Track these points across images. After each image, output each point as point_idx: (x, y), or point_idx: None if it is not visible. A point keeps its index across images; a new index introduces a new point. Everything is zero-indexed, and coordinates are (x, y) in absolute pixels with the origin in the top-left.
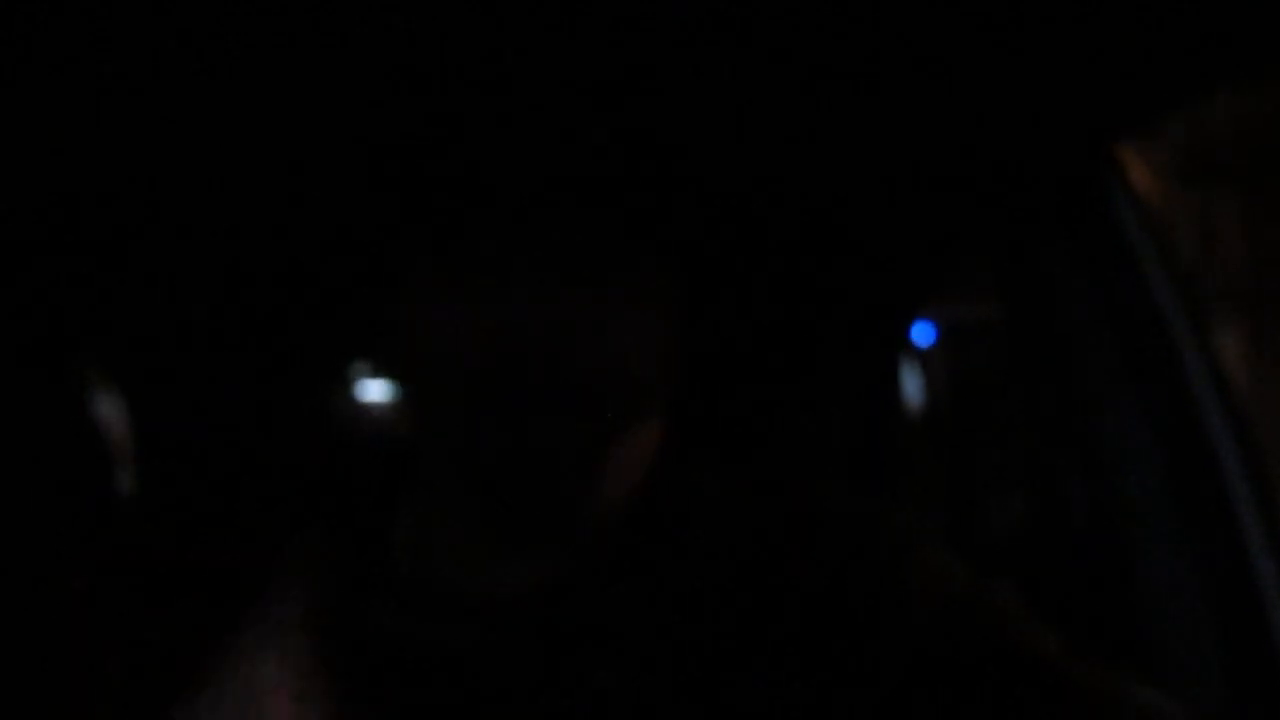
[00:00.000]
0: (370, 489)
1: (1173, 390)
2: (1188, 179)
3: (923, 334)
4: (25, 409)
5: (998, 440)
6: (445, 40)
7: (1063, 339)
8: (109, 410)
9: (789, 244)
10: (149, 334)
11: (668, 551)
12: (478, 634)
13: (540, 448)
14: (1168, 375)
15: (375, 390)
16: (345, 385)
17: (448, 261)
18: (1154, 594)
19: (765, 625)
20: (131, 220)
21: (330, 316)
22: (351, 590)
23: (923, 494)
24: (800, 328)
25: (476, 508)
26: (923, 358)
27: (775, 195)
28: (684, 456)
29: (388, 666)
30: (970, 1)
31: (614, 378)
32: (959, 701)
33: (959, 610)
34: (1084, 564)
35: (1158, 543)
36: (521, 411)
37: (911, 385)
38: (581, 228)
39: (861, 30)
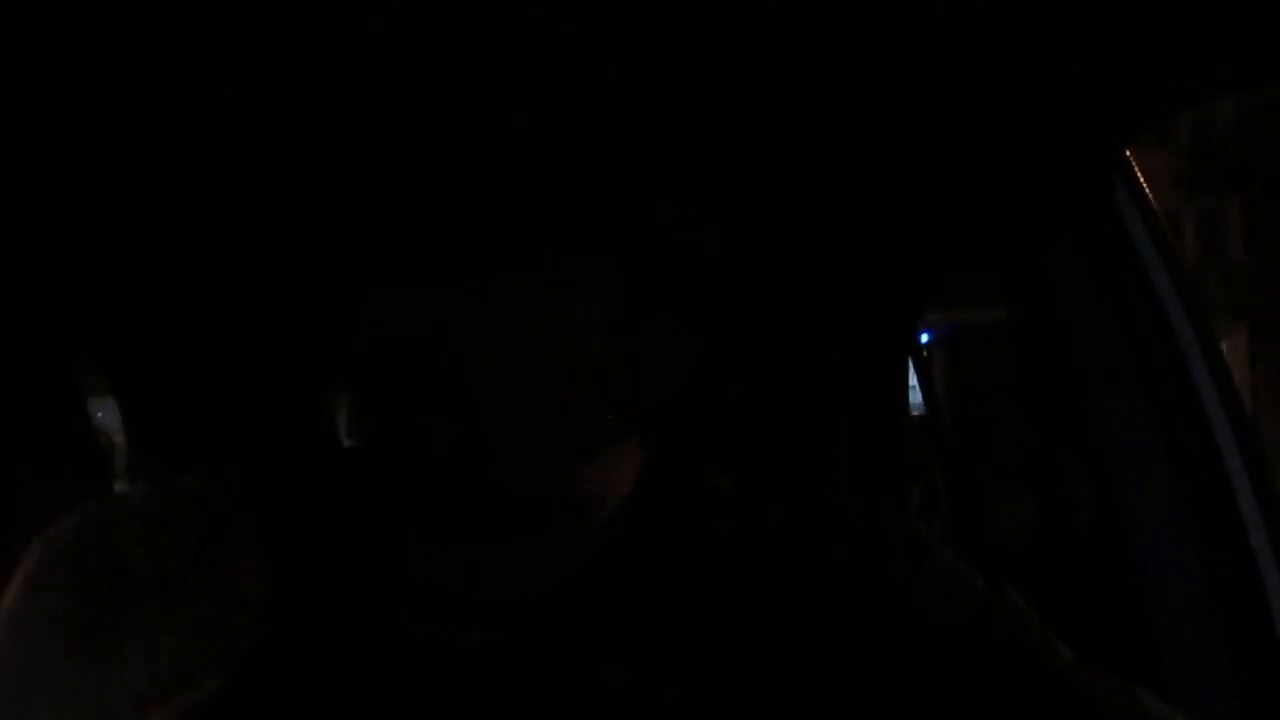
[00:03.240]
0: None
1: (1177, 393)
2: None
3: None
4: (20, 413)
5: (1004, 442)
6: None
7: (1068, 341)
8: (104, 415)
9: (796, 247)
10: (144, 339)
11: (679, 553)
12: (489, 634)
13: (438, 441)
14: (1172, 378)
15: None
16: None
17: (368, 257)
18: (1159, 595)
19: (777, 628)
20: (125, 226)
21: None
22: (364, 591)
23: (929, 495)
24: (807, 329)
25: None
26: (929, 359)
27: (783, 198)
28: (695, 456)
29: (400, 666)
30: (976, 7)
31: (500, 367)
32: (972, 710)
33: (972, 618)
34: (1089, 565)
35: (1162, 544)
36: (409, 403)
37: (918, 387)
38: (494, 215)
39: (871, 35)
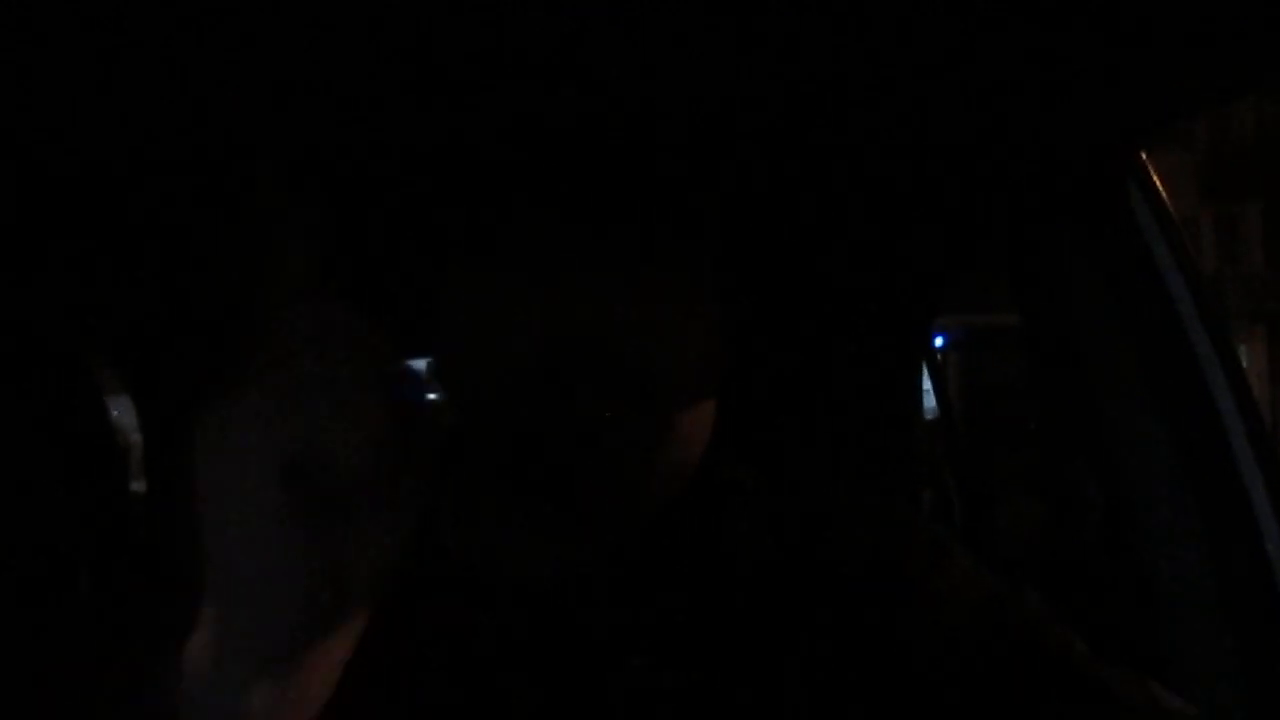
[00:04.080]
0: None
1: (1191, 396)
2: (1210, 189)
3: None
4: (35, 411)
5: (1017, 446)
6: (489, 41)
7: (1081, 346)
8: (119, 413)
9: (812, 246)
10: (160, 336)
11: (704, 544)
12: (521, 620)
13: (586, 437)
14: (1186, 382)
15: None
16: None
17: (493, 255)
18: (1173, 599)
19: (797, 621)
20: (147, 221)
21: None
22: (397, 577)
23: (941, 499)
24: (821, 331)
25: (523, 498)
26: (943, 363)
27: (793, 200)
28: (719, 451)
29: (433, 651)
30: (991, 7)
31: (660, 370)
32: (988, 705)
33: (988, 615)
34: (1102, 570)
35: (1176, 548)
36: (568, 403)
37: (931, 389)
38: (626, 223)
39: (879, 36)
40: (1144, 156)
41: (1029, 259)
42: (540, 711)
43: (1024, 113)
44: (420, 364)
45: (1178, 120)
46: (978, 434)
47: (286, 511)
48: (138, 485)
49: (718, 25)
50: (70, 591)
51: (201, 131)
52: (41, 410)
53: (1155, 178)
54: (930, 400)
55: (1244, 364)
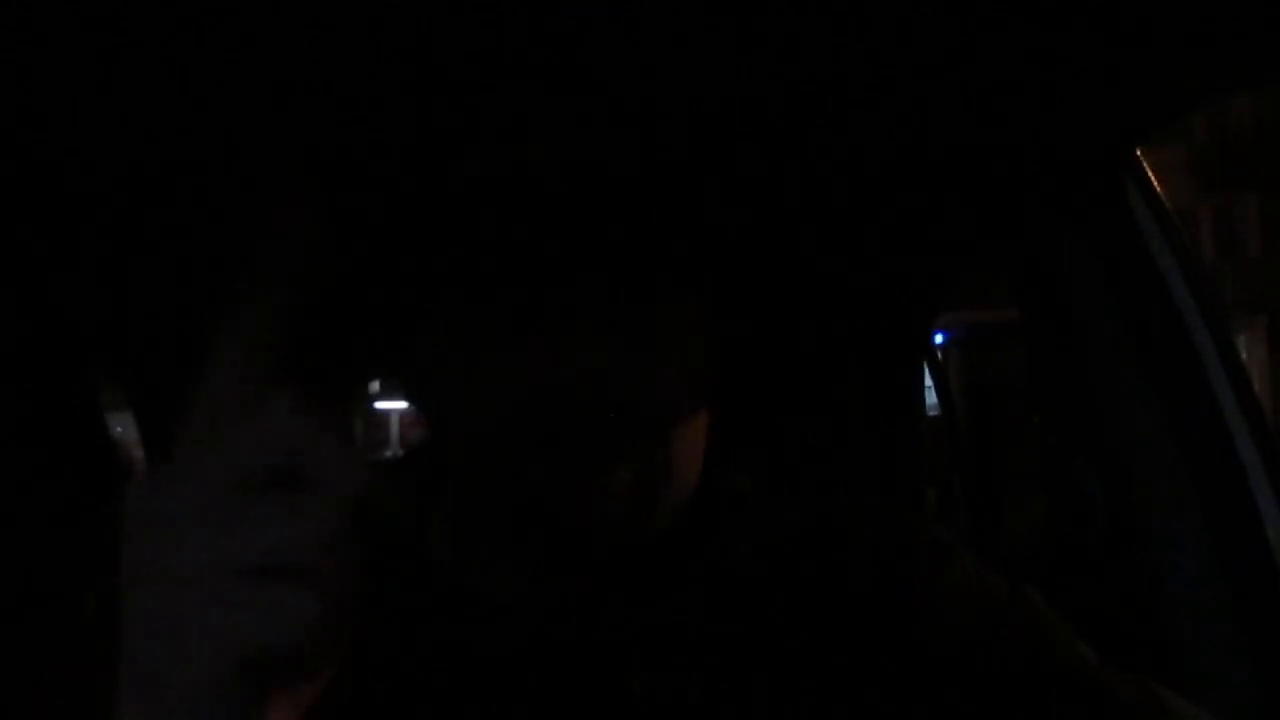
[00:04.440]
0: (403, 498)
1: (1193, 392)
2: (1208, 179)
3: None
4: (37, 422)
5: (1020, 444)
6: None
7: (1081, 342)
8: (121, 424)
9: (810, 248)
10: (161, 348)
11: (705, 556)
12: (518, 638)
13: (580, 484)
14: (1187, 377)
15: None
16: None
17: (479, 307)
18: (1177, 596)
19: (798, 629)
20: (144, 232)
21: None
22: (388, 596)
23: (945, 498)
24: (822, 331)
25: (516, 536)
26: (945, 361)
27: (798, 200)
28: (719, 463)
29: (428, 671)
30: (990, 7)
31: (653, 416)
32: (995, 711)
33: (995, 619)
34: (1106, 567)
35: (1180, 545)
36: (558, 454)
37: (933, 389)
38: (614, 271)
39: (876, 35)
40: (1140, 153)
41: (1028, 256)
42: None
43: (1022, 111)
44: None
45: (1175, 119)
46: (980, 431)
47: (225, 692)
48: None
49: (717, 25)
50: (75, 611)
51: (200, 134)
52: (42, 425)
53: (1154, 171)
54: (932, 397)
55: (1244, 355)
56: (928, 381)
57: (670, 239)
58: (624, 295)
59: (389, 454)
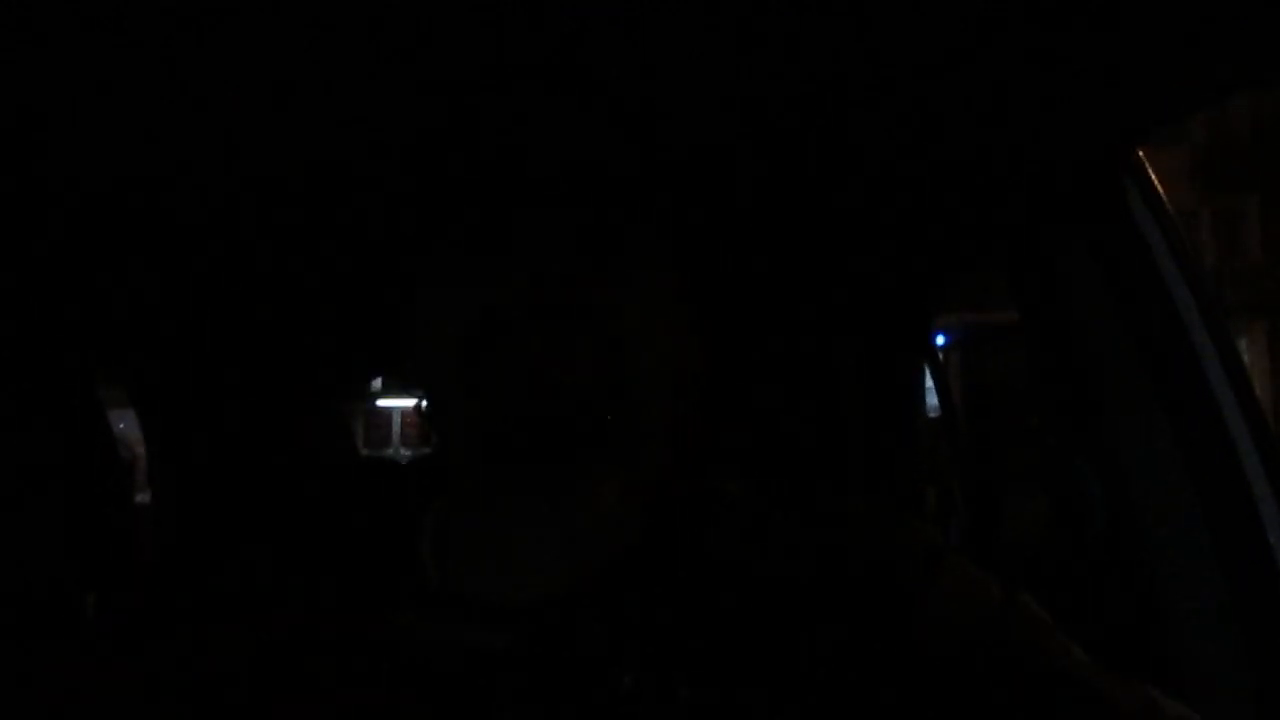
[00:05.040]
0: (395, 499)
1: (1192, 391)
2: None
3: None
4: (41, 425)
5: (1019, 445)
6: (451, 42)
7: (1081, 344)
8: (124, 426)
9: (808, 249)
10: (164, 351)
11: (692, 557)
12: (506, 639)
13: (545, 431)
14: (1187, 376)
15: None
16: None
17: (452, 252)
18: (1175, 597)
19: (791, 633)
20: (146, 236)
21: (347, 331)
22: (379, 597)
23: (944, 499)
24: (820, 332)
25: (506, 536)
26: (944, 362)
27: (797, 201)
28: (708, 464)
29: (418, 672)
30: (988, 5)
31: (645, 417)
32: (988, 716)
33: (987, 623)
34: (1106, 568)
35: (1179, 546)
36: (553, 454)
37: (933, 389)
38: (586, 223)
39: (878, 35)
40: (1140, 154)
41: (1029, 257)
42: None
43: (1022, 112)
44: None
45: (1175, 119)
46: (980, 432)
47: None
48: (143, 497)
49: (718, 25)
50: (76, 608)
51: (200, 134)
52: (44, 424)
53: (1152, 175)
54: (933, 398)
55: (1244, 358)
56: (928, 383)
57: (668, 238)
58: (620, 295)
59: (389, 453)
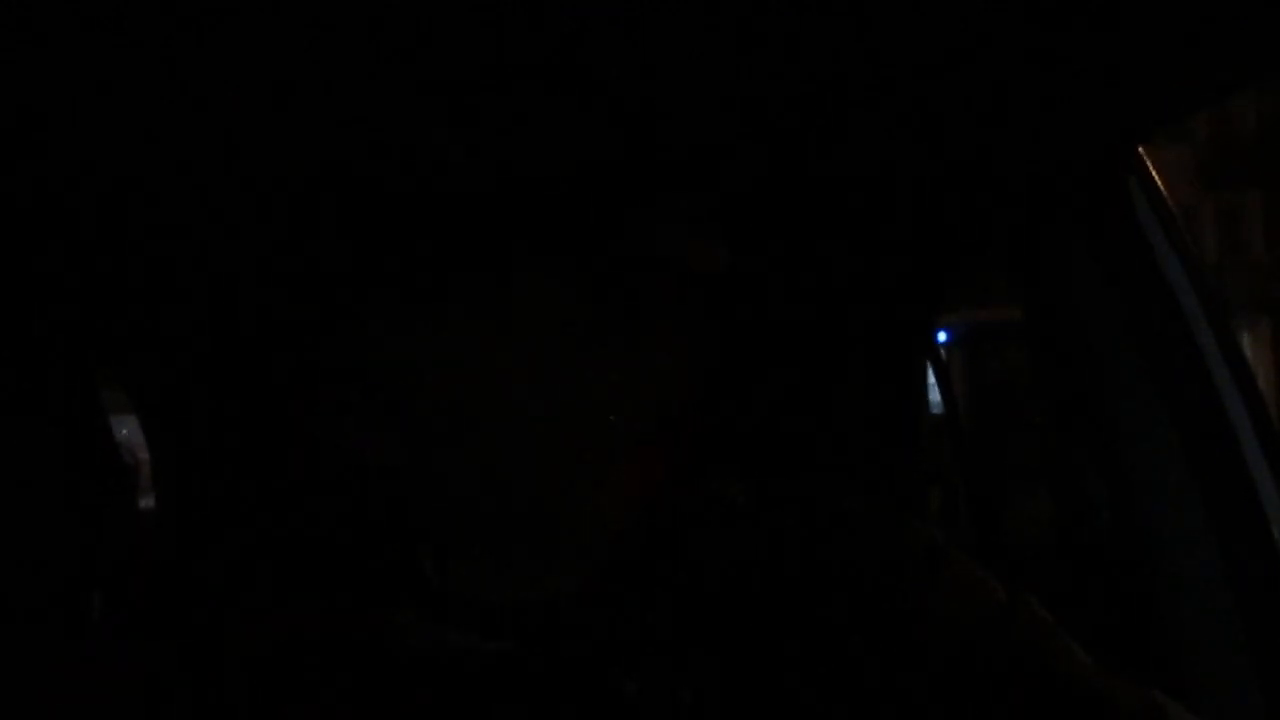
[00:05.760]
0: (394, 502)
1: (1196, 391)
2: (1211, 179)
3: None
4: (42, 428)
5: (1023, 443)
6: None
7: (1084, 341)
8: (127, 430)
9: (810, 248)
10: (167, 354)
11: (694, 561)
12: (507, 642)
13: (572, 487)
14: (1191, 376)
15: None
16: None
17: (422, 303)
18: (1179, 595)
19: (793, 636)
20: (148, 238)
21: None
22: (382, 600)
23: (947, 497)
24: (823, 331)
25: (508, 539)
26: (948, 360)
27: (794, 198)
28: (708, 465)
29: (417, 675)
30: (988, 5)
31: (640, 419)
32: (992, 717)
33: (991, 625)
34: (1109, 566)
35: (1182, 544)
36: (550, 456)
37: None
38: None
39: (878, 35)
40: (1143, 152)
41: (1032, 255)
42: None
43: (1025, 110)
44: None
45: (1178, 117)
46: (983, 430)
47: None
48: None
49: (718, 25)
50: (83, 612)
51: (200, 133)
52: (46, 428)
53: (1157, 169)
54: (935, 395)
55: (1248, 355)
56: (931, 380)
57: (666, 237)
58: (615, 296)
59: None
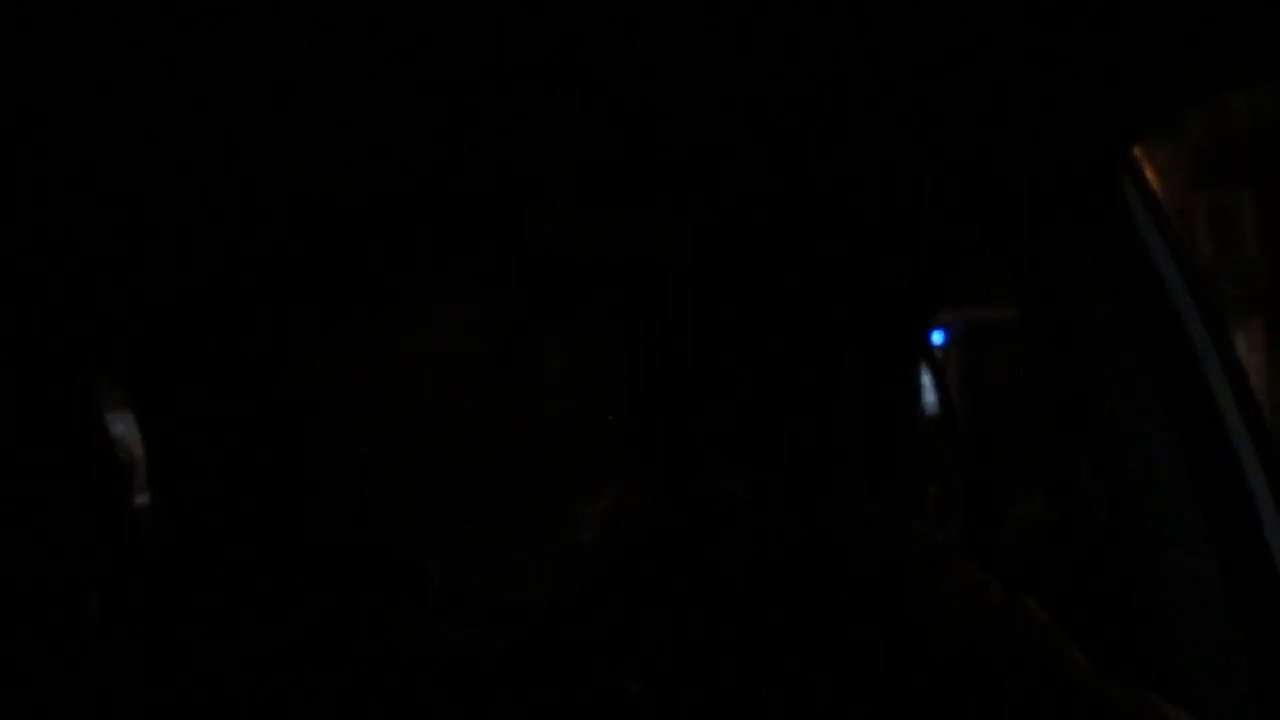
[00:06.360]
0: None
1: (1191, 391)
2: (1204, 178)
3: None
4: (40, 426)
5: (1020, 443)
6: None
7: (1080, 341)
8: (124, 427)
9: (806, 248)
10: (163, 351)
11: (693, 561)
12: (506, 640)
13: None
14: (1185, 376)
15: None
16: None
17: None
18: (1175, 595)
19: (791, 638)
20: (144, 237)
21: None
22: (382, 598)
23: (945, 497)
24: (819, 332)
25: (509, 541)
26: (944, 360)
27: (793, 199)
28: (708, 467)
29: (418, 672)
30: (988, 5)
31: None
32: (991, 719)
33: (989, 627)
34: (1106, 566)
35: (1178, 544)
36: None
37: (931, 388)
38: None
39: (875, 35)
40: (1137, 152)
41: (1026, 254)
42: None
43: (1020, 111)
44: None
45: (1173, 117)
46: (979, 430)
47: None
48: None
49: (719, 25)
50: (79, 610)
51: (199, 133)
52: (42, 427)
53: (1151, 169)
54: (931, 396)
55: (1241, 354)
56: (926, 381)
57: (664, 235)
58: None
59: None
